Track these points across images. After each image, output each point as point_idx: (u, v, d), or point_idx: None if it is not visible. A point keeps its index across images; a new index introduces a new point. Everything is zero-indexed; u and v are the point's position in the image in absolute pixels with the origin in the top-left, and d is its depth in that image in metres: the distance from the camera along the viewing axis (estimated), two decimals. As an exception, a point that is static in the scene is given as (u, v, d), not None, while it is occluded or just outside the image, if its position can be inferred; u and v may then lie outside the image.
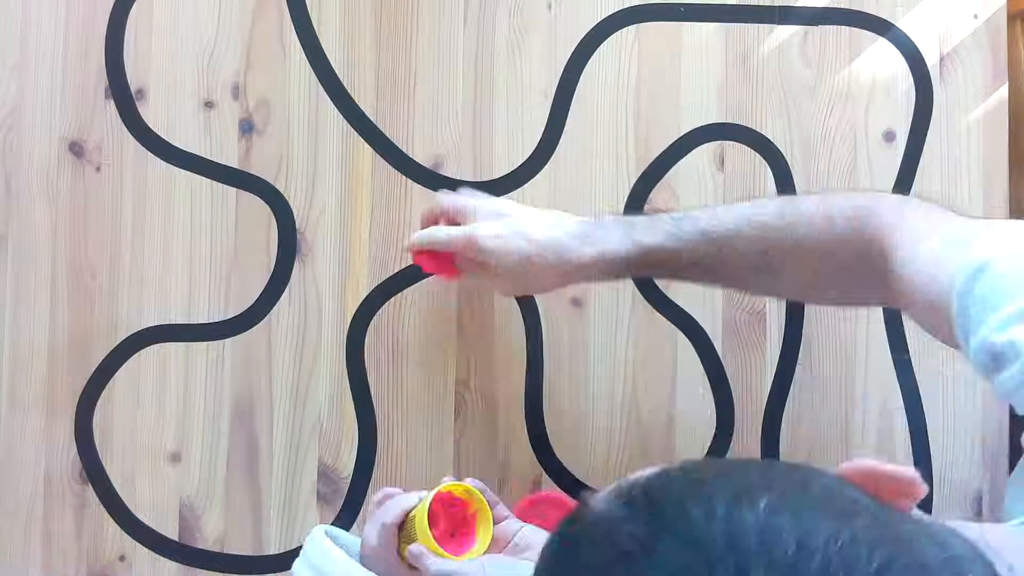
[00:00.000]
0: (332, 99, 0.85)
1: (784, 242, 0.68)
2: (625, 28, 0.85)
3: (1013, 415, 0.83)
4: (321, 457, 0.83)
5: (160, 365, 0.84)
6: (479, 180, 0.85)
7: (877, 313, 0.84)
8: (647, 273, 0.77)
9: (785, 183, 0.85)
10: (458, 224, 0.75)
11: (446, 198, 0.79)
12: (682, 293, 0.84)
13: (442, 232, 0.75)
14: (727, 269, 0.71)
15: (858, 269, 0.65)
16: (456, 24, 0.86)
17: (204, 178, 0.85)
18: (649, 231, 0.71)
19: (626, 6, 0.86)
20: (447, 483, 0.71)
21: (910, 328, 0.84)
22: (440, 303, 0.84)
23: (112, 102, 0.85)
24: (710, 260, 0.70)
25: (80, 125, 0.85)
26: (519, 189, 0.85)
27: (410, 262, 0.84)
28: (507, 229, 0.73)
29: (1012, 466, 0.83)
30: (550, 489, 0.83)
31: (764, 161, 0.85)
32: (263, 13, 0.85)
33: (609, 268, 0.72)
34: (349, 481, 0.83)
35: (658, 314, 0.84)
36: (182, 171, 0.85)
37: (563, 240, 0.72)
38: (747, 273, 0.71)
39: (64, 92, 0.85)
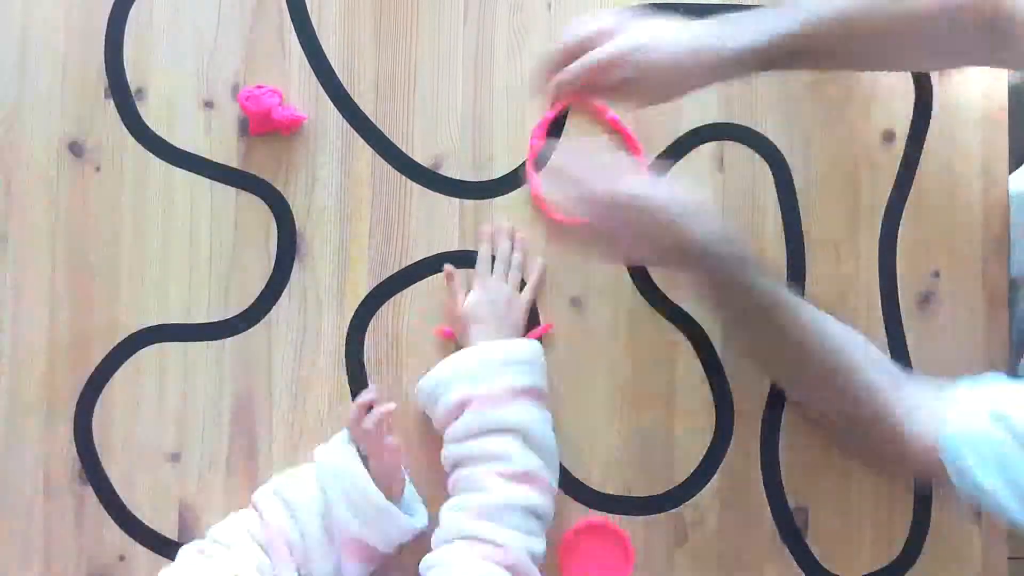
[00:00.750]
0: (332, 99, 0.85)
1: (910, 14, 0.71)
2: (625, 28, 0.85)
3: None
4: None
5: (160, 365, 0.84)
6: (479, 180, 0.85)
7: (876, 313, 0.84)
8: (783, 65, 0.75)
9: (785, 183, 0.85)
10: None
11: (567, 35, 0.73)
12: (681, 293, 0.84)
13: (584, 61, 0.71)
14: (859, 48, 0.74)
15: (980, 29, 0.69)
16: (456, 24, 0.86)
17: (204, 178, 0.85)
18: (780, 17, 0.72)
19: (625, 6, 0.85)
20: None
21: (910, 328, 0.84)
22: (439, 303, 0.84)
23: (112, 102, 0.85)
24: (835, 44, 0.73)
25: (80, 125, 0.85)
26: (519, 189, 0.85)
27: (409, 262, 0.84)
28: (651, 36, 0.71)
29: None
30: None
31: (764, 161, 0.85)
32: (263, 13, 0.85)
33: (755, 58, 0.72)
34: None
35: (658, 314, 0.84)
36: (182, 171, 0.85)
37: (705, 39, 0.71)
38: (878, 50, 0.75)
39: (64, 92, 0.85)
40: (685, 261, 0.72)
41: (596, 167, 0.71)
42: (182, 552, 0.75)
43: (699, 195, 0.73)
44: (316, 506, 0.75)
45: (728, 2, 0.86)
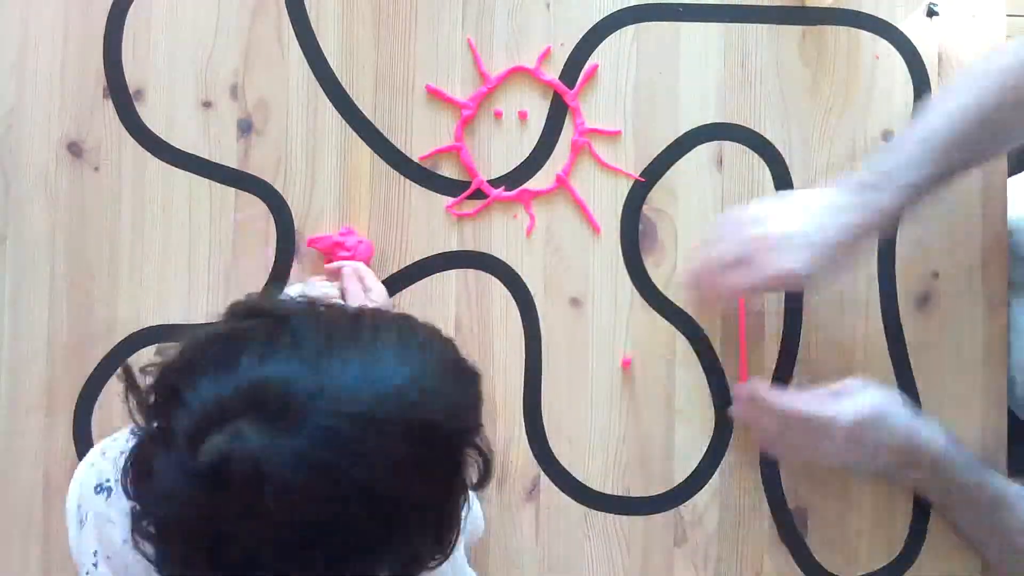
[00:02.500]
0: (331, 99, 0.85)
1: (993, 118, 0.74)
2: (624, 28, 0.85)
3: (1012, 416, 0.83)
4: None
5: (159, 365, 0.84)
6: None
7: (876, 313, 0.84)
8: (913, 206, 0.76)
9: (784, 183, 0.85)
10: None
11: (713, 253, 0.76)
12: (682, 293, 0.84)
13: (740, 285, 0.74)
14: (966, 161, 0.76)
15: None
16: (454, 24, 0.85)
17: (203, 178, 0.85)
18: (909, 169, 0.73)
19: (625, 6, 0.85)
20: None
21: (909, 329, 0.84)
22: (438, 303, 0.84)
23: (111, 102, 0.85)
24: (958, 163, 0.75)
25: (79, 125, 0.85)
26: (518, 189, 0.85)
27: (408, 262, 0.84)
28: (799, 251, 0.72)
29: (1011, 467, 0.83)
30: (549, 487, 0.83)
31: (763, 161, 0.85)
32: (261, 13, 0.85)
33: (893, 222, 0.77)
34: (348, 481, 0.83)
35: (657, 314, 0.84)
36: (181, 171, 0.85)
37: (851, 221, 0.73)
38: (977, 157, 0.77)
39: (63, 92, 0.85)
40: (915, 469, 0.78)
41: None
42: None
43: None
44: None
45: (727, 2, 0.85)
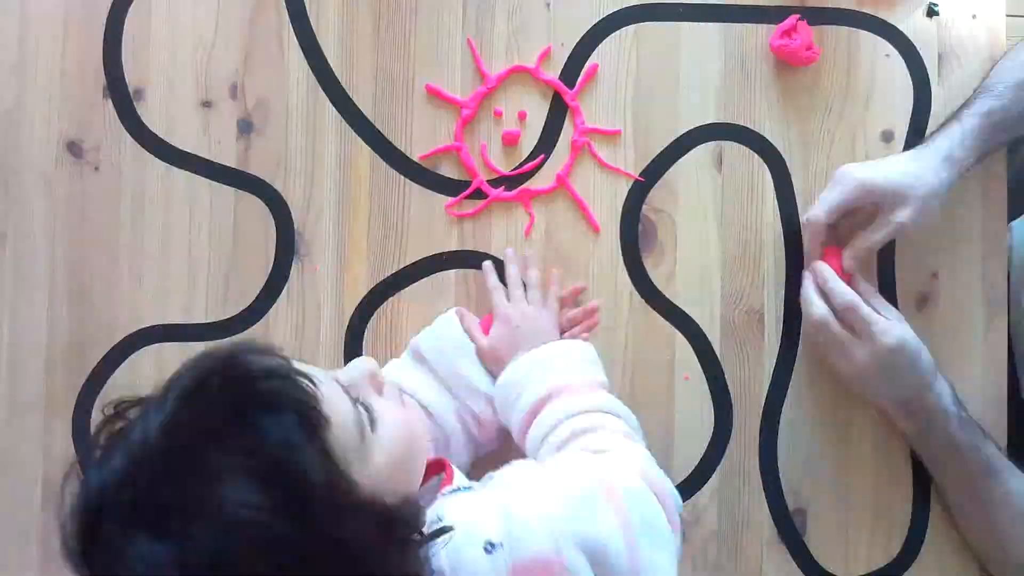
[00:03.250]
0: (330, 99, 0.85)
1: None
2: (624, 28, 0.85)
3: (1011, 416, 0.83)
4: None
5: (158, 365, 0.84)
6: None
7: (875, 313, 0.84)
8: (992, 141, 0.81)
9: (783, 183, 0.85)
10: None
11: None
12: (680, 293, 0.84)
13: (821, 202, 0.79)
14: None
15: None
16: (454, 24, 0.85)
17: (202, 178, 0.85)
18: (971, 104, 0.79)
19: (625, 6, 0.85)
20: None
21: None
22: (438, 303, 0.84)
23: (110, 102, 0.85)
24: (1015, 123, 0.79)
25: (78, 125, 0.85)
26: (518, 189, 0.84)
27: (407, 262, 0.84)
28: (875, 162, 0.80)
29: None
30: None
31: (762, 161, 0.85)
32: (261, 13, 0.85)
33: (968, 144, 0.79)
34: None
35: (656, 314, 0.84)
36: (180, 171, 0.85)
37: (920, 148, 0.79)
38: None
39: (62, 92, 0.85)
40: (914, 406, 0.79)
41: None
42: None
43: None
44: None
45: (727, 2, 0.85)
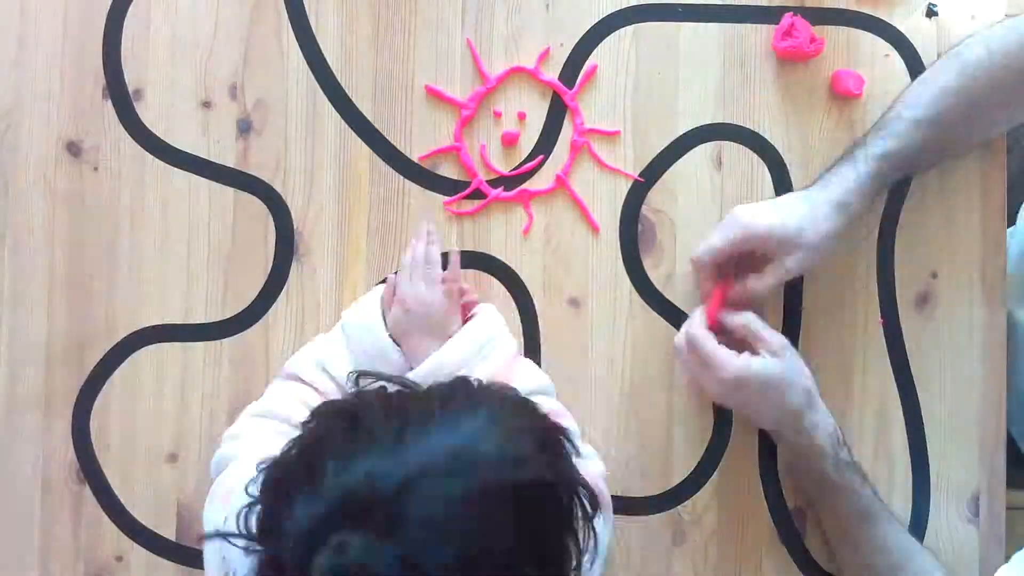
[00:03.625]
0: (330, 99, 0.85)
1: (975, 101, 0.77)
2: (623, 28, 0.85)
3: (1011, 417, 0.83)
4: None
5: (157, 365, 0.84)
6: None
7: (874, 311, 0.84)
8: (887, 184, 0.81)
9: (782, 183, 0.85)
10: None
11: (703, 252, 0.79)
12: (680, 293, 0.84)
13: (707, 242, 0.78)
14: (939, 145, 0.79)
15: None
16: (454, 24, 0.85)
17: (202, 178, 0.85)
18: (870, 145, 0.78)
19: (624, 6, 0.85)
20: None
21: (908, 329, 0.84)
22: (438, 303, 0.84)
23: (110, 102, 0.85)
24: (928, 146, 0.78)
25: (78, 125, 0.85)
26: (517, 189, 0.85)
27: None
28: (764, 205, 0.78)
29: (1009, 469, 0.83)
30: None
31: (762, 161, 0.85)
32: (261, 13, 0.85)
33: (859, 193, 0.77)
34: (346, 481, 0.83)
35: (656, 314, 0.84)
36: (180, 171, 0.85)
37: (812, 197, 0.77)
38: (954, 138, 0.80)
39: (62, 92, 0.85)
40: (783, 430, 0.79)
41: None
42: (250, 424, 0.76)
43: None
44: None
45: (727, 2, 0.85)
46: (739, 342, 0.78)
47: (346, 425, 0.55)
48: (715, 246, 0.77)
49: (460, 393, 0.58)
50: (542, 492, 0.55)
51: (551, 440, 0.59)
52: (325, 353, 0.78)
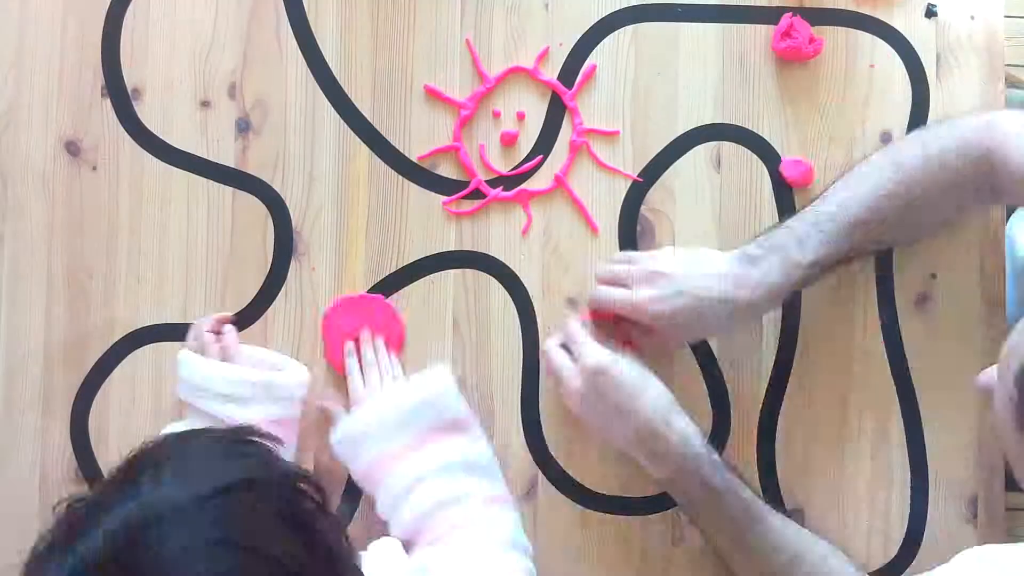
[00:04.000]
0: (329, 99, 0.85)
1: (911, 202, 0.76)
2: (623, 28, 0.85)
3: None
4: (318, 457, 0.83)
5: (156, 365, 0.84)
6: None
7: (874, 314, 0.84)
8: (807, 285, 0.79)
9: (781, 184, 0.85)
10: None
11: (601, 269, 0.80)
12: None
13: (604, 293, 0.78)
14: (871, 243, 0.78)
15: (977, 185, 0.75)
16: (453, 24, 0.85)
17: (201, 177, 0.85)
18: (801, 248, 0.75)
19: (624, 6, 0.85)
20: None
21: (907, 330, 0.84)
22: (436, 303, 0.84)
23: (108, 101, 0.85)
24: (858, 246, 0.77)
25: (76, 124, 0.85)
26: (516, 189, 0.85)
27: (406, 262, 0.84)
28: (667, 290, 0.76)
29: (1008, 471, 0.83)
30: (546, 487, 0.83)
31: (760, 162, 0.85)
32: (260, 12, 0.85)
33: (776, 298, 0.77)
34: (346, 481, 0.83)
35: (655, 315, 0.84)
36: (179, 170, 0.85)
37: (726, 289, 0.75)
38: (889, 236, 0.80)
39: (61, 91, 0.85)
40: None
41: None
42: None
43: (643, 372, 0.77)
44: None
45: (726, 2, 0.85)
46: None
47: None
48: (616, 304, 0.77)
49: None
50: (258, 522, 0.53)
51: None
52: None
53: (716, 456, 0.76)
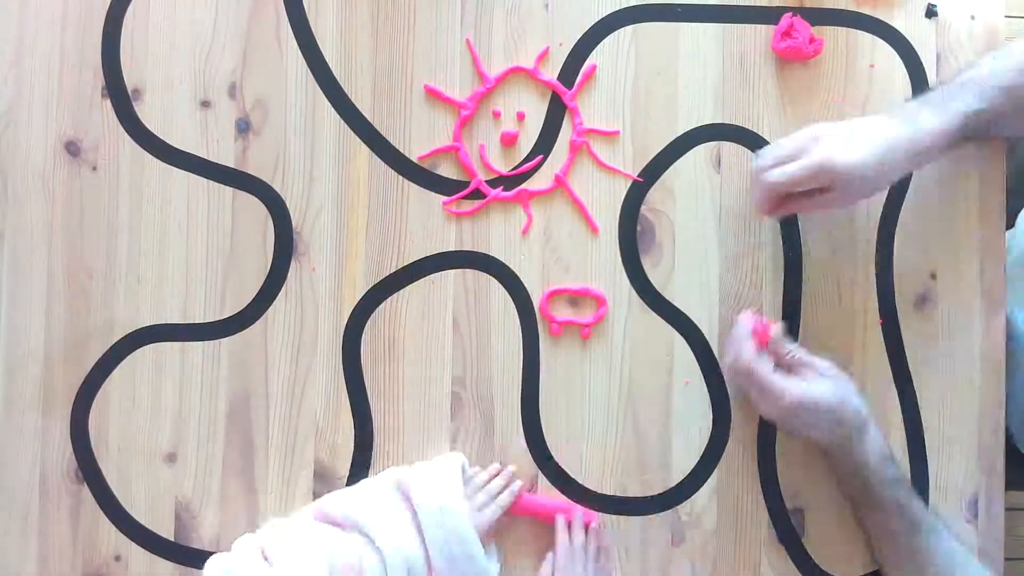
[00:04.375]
0: (329, 99, 0.85)
1: None
2: (623, 28, 0.85)
3: (1009, 418, 0.83)
4: (317, 457, 0.83)
5: (156, 365, 0.84)
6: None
7: (874, 314, 0.84)
8: (971, 138, 0.79)
9: (782, 184, 0.85)
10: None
11: (760, 162, 0.77)
12: (679, 294, 0.84)
13: (782, 171, 0.76)
14: (1013, 124, 0.79)
15: None
16: (453, 24, 0.85)
17: (201, 177, 0.85)
18: (953, 99, 0.77)
19: (624, 6, 0.86)
20: None
21: (907, 330, 0.84)
22: (436, 303, 0.84)
23: (108, 101, 0.85)
24: (1007, 111, 0.77)
25: (76, 124, 0.85)
26: (516, 189, 0.85)
27: (406, 262, 0.84)
28: (846, 140, 0.75)
29: (1008, 471, 0.83)
30: (546, 487, 0.83)
31: (761, 162, 0.85)
32: (260, 13, 0.85)
33: (942, 146, 0.77)
34: (345, 481, 0.83)
35: (654, 314, 0.84)
36: (179, 170, 0.85)
37: (896, 140, 0.75)
38: None
39: (61, 91, 0.85)
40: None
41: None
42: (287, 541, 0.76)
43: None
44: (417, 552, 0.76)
45: (726, 2, 0.85)
46: (784, 366, 0.79)
47: None
48: (795, 176, 0.75)
49: None
50: None
51: None
52: (378, 528, 0.77)
53: (891, 471, 0.79)
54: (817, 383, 0.77)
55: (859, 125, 0.77)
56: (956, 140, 0.77)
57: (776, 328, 0.79)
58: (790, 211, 0.79)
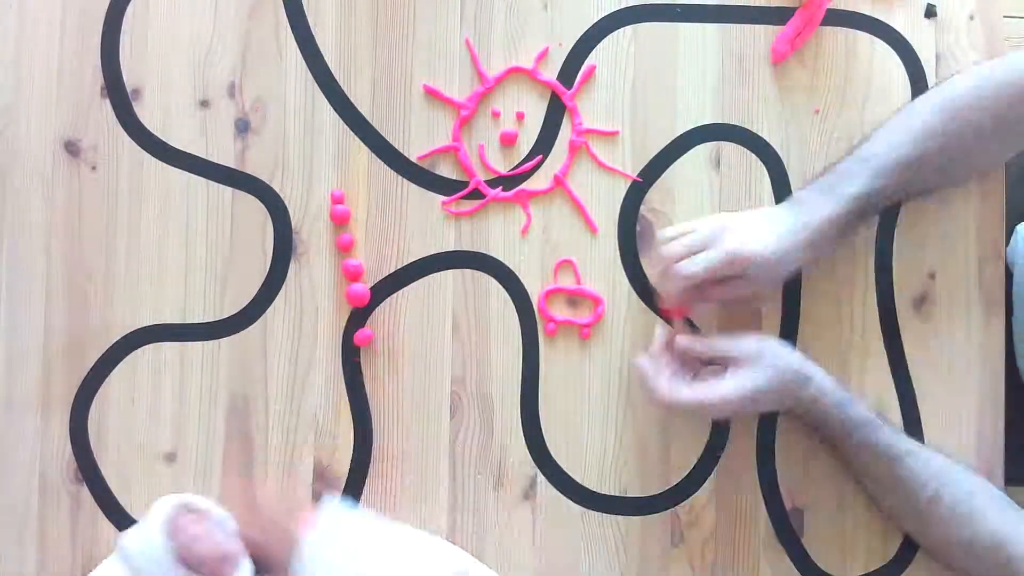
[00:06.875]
0: (328, 99, 0.85)
1: (962, 142, 0.77)
2: (622, 28, 0.85)
3: (1009, 418, 0.83)
4: (317, 457, 0.83)
5: (155, 365, 0.84)
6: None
7: (873, 315, 0.84)
8: (862, 219, 0.79)
9: (781, 184, 0.85)
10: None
11: (668, 250, 0.78)
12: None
13: (698, 263, 0.76)
14: (920, 183, 0.79)
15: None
16: (453, 24, 0.85)
17: (200, 178, 0.85)
18: (850, 182, 0.76)
19: (623, 6, 0.86)
20: None
21: (906, 330, 0.84)
22: (435, 303, 0.84)
23: (108, 101, 0.85)
24: (907, 186, 0.78)
25: (76, 124, 0.85)
26: (515, 189, 0.85)
27: (405, 262, 0.84)
28: (752, 230, 0.76)
29: (1007, 465, 0.83)
30: (546, 487, 0.83)
31: (760, 162, 0.85)
32: (259, 12, 0.85)
33: (830, 233, 0.77)
34: (345, 481, 0.83)
35: (654, 314, 0.84)
36: (178, 171, 0.85)
37: (792, 224, 0.76)
38: (937, 179, 0.80)
39: (60, 91, 0.85)
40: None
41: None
42: None
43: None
44: None
45: (725, 2, 0.85)
46: (709, 363, 0.79)
47: None
48: (711, 265, 0.75)
49: None
50: None
51: None
52: None
53: (855, 411, 0.77)
54: (743, 374, 0.76)
55: (760, 215, 0.79)
56: (850, 224, 0.78)
57: (679, 338, 0.79)
58: (701, 300, 0.79)
